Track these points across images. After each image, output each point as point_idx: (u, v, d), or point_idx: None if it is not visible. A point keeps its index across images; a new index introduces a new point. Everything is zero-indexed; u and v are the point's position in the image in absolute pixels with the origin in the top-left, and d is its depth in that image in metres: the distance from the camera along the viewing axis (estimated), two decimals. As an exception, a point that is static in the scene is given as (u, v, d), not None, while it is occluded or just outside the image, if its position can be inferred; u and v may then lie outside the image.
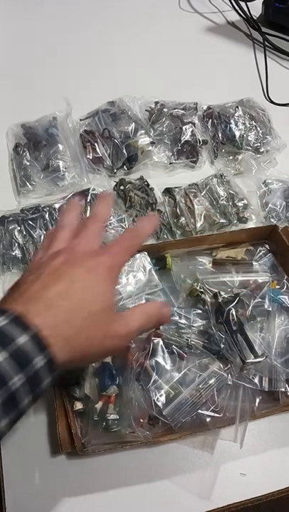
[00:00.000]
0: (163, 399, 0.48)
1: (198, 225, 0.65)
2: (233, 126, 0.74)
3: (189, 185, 0.69)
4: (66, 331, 0.31)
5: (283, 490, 0.51)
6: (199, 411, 0.48)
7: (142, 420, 0.48)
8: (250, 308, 0.54)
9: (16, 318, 0.29)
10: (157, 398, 0.47)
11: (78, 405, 0.50)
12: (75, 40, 0.91)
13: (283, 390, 0.51)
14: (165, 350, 0.49)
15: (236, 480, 0.51)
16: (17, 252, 0.62)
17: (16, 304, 0.31)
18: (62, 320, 0.31)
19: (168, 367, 0.49)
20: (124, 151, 0.70)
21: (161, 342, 0.49)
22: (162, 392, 0.48)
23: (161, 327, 0.51)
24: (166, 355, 0.49)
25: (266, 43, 0.91)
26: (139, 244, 0.40)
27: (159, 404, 0.47)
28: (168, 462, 0.52)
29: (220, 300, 0.54)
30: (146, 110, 0.76)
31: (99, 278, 0.34)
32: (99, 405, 0.48)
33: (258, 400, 0.52)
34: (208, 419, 0.48)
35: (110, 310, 0.34)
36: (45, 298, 0.31)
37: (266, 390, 0.51)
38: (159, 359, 0.49)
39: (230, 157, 0.73)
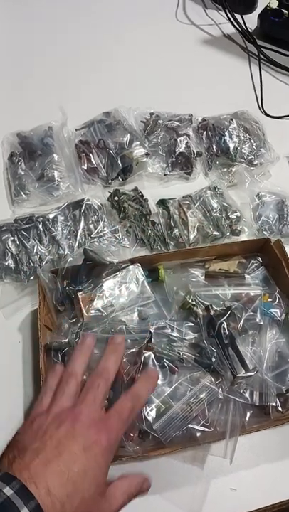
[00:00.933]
0: (153, 413, 0.48)
1: (192, 236, 0.65)
2: (227, 138, 0.75)
3: (183, 196, 0.70)
4: None
5: (275, 505, 0.51)
6: (190, 425, 0.48)
7: (132, 434, 0.48)
8: (241, 321, 0.54)
9: (20, 490, 0.31)
10: (148, 412, 0.47)
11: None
12: (72, 50, 0.92)
13: (274, 404, 0.51)
14: (156, 364, 0.49)
15: (227, 495, 0.51)
16: (10, 262, 0.61)
17: (20, 474, 0.33)
18: (58, 509, 0.32)
19: (159, 381, 0.49)
20: (119, 162, 0.70)
21: (152, 356, 0.49)
22: (153, 406, 0.48)
23: (153, 340, 0.51)
24: (158, 368, 0.49)
25: (261, 56, 0.92)
26: (139, 410, 0.43)
27: (150, 418, 0.47)
28: (158, 476, 0.51)
29: (212, 313, 0.54)
30: (141, 121, 0.77)
31: (95, 459, 0.36)
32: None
33: (248, 415, 0.52)
34: (198, 434, 0.48)
35: (101, 493, 0.36)
36: (45, 480, 0.33)
37: (257, 404, 0.51)
38: (150, 373, 0.49)
39: (224, 169, 0.74)
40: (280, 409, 0.51)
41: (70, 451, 0.35)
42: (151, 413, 0.48)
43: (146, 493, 0.42)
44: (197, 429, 0.48)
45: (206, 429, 0.48)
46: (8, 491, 0.31)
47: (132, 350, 0.49)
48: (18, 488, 0.31)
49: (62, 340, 0.53)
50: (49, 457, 0.34)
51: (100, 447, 0.37)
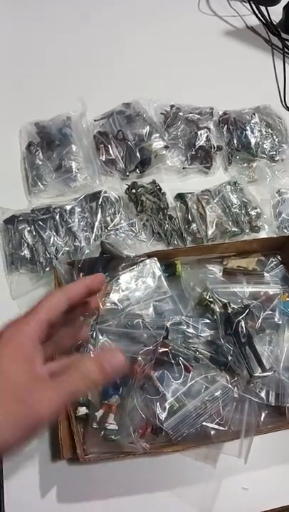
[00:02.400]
0: (166, 411, 0.47)
1: (210, 232, 0.64)
2: (248, 133, 0.74)
3: (202, 191, 0.69)
4: None
5: (286, 507, 0.50)
6: (204, 423, 0.47)
7: (140, 431, 0.47)
8: (260, 320, 0.53)
9: None
10: (160, 410, 0.47)
11: (81, 410, 0.49)
12: (93, 39, 0.90)
13: (290, 405, 0.50)
14: (172, 362, 0.49)
15: (238, 494, 0.51)
16: (26, 253, 0.61)
17: None
18: None
19: (174, 378, 0.48)
20: (137, 154, 0.69)
21: (168, 353, 0.49)
22: (166, 404, 0.47)
23: (169, 337, 0.50)
24: (173, 366, 0.49)
25: (285, 49, 0.90)
26: (49, 316, 0.34)
27: (162, 416, 0.47)
28: (170, 473, 0.51)
29: (229, 311, 0.53)
30: (161, 113, 0.75)
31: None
32: (99, 413, 0.48)
33: (263, 415, 0.51)
34: (212, 432, 0.48)
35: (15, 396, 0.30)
36: None
37: (272, 404, 0.50)
38: (165, 370, 0.49)
39: (245, 164, 0.72)
40: (296, 410, 0.50)
41: None
42: (164, 411, 0.47)
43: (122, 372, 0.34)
44: (211, 428, 0.47)
45: (221, 428, 0.48)
46: None
47: (147, 348, 0.48)
48: None
49: (77, 333, 0.52)
50: None
51: (2, 345, 0.32)
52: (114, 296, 0.54)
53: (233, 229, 0.64)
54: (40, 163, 0.69)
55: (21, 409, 0.30)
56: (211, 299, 0.54)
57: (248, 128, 0.74)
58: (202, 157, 0.72)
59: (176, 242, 0.65)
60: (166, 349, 0.49)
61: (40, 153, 0.70)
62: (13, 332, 0.33)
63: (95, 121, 0.75)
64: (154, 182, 0.70)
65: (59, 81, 0.83)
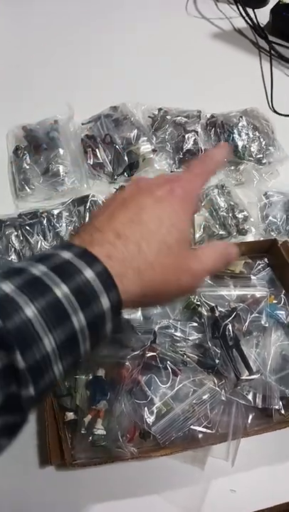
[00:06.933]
0: (154, 415, 0.47)
1: (197, 235, 0.64)
2: (236, 136, 0.74)
3: (190, 194, 0.69)
4: (139, 261, 0.28)
5: (273, 508, 0.51)
6: (192, 426, 0.48)
7: (128, 435, 0.47)
8: (246, 323, 0.53)
9: (82, 252, 0.27)
10: (148, 415, 0.47)
11: (69, 416, 0.49)
12: (78, 42, 0.90)
13: (277, 407, 0.51)
14: (160, 366, 0.49)
15: (226, 496, 0.51)
16: (13, 257, 0.61)
17: (80, 238, 0.29)
18: (134, 250, 0.29)
19: (161, 383, 0.49)
20: (125, 157, 0.69)
21: (156, 357, 0.49)
22: (154, 408, 0.47)
23: (157, 341, 0.50)
24: (161, 370, 0.49)
25: (272, 52, 0.90)
26: (211, 170, 0.37)
27: (150, 420, 0.47)
28: (157, 476, 0.51)
29: (217, 314, 0.53)
30: (149, 117, 0.76)
31: (171, 208, 0.31)
32: (87, 419, 0.48)
33: (250, 417, 0.51)
34: (200, 435, 0.48)
35: (185, 243, 0.32)
36: (112, 227, 0.29)
37: (260, 406, 0.51)
38: (153, 374, 0.49)
39: (232, 167, 0.73)
40: (282, 412, 0.51)
41: (138, 202, 0.31)
42: (151, 415, 0.48)
43: (234, 259, 0.37)
44: (199, 431, 0.48)
45: (208, 431, 0.48)
46: (65, 254, 0.27)
47: (135, 353, 0.48)
48: (78, 251, 0.27)
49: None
50: (113, 212, 0.30)
51: (175, 195, 0.32)
52: (101, 301, 0.54)
53: (220, 232, 0.65)
54: (28, 167, 0.69)
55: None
56: (199, 303, 0.55)
57: (235, 131, 0.74)
58: (190, 160, 0.72)
59: (164, 246, 0.65)
60: (154, 353, 0.49)
61: (28, 157, 0.70)
62: (188, 187, 0.34)
63: (82, 124, 0.75)
64: (142, 185, 0.70)
65: (46, 84, 0.83)
